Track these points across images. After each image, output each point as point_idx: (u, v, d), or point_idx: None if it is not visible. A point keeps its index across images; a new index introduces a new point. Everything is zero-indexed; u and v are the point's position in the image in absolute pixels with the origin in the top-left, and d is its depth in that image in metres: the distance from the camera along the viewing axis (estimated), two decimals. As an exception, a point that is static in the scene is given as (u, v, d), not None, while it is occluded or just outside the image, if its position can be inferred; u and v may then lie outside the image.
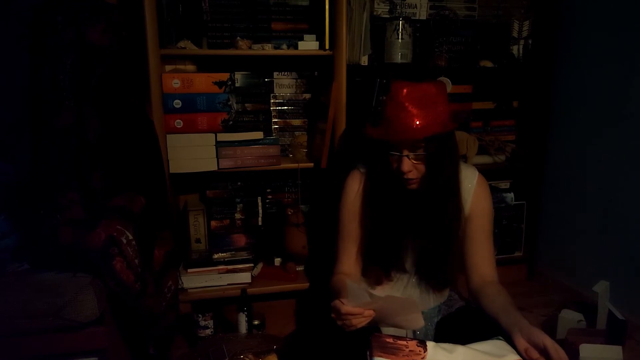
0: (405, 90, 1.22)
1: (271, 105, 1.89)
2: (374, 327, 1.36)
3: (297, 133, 1.93)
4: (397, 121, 1.22)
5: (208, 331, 1.71)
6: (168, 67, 1.87)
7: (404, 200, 1.28)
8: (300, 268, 1.93)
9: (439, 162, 1.24)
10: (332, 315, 1.11)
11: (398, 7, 1.99)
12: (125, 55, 1.44)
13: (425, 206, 1.27)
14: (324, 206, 1.92)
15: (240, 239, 1.89)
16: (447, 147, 1.25)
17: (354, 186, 1.38)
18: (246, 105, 1.85)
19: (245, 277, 1.82)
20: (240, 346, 1.50)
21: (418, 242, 1.32)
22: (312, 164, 1.84)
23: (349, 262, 1.39)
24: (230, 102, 1.80)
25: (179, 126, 1.74)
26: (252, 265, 1.86)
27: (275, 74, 1.88)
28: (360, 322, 1.09)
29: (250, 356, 1.37)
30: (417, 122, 1.20)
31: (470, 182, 1.35)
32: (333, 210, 1.44)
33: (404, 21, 1.89)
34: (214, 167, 1.76)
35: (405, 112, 1.21)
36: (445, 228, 1.30)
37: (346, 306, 1.08)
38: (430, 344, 1.13)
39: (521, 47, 2.12)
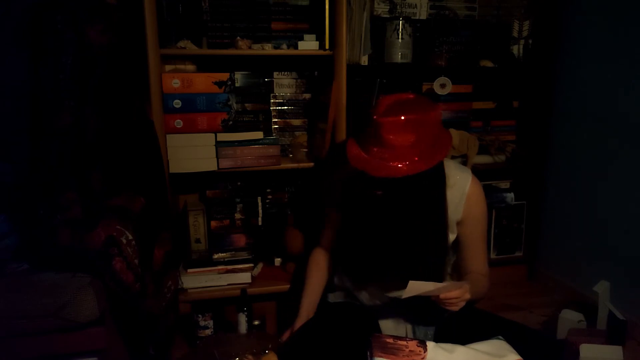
0: (387, 125, 1.16)
1: (271, 105, 1.89)
2: (374, 327, 1.37)
3: (297, 133, 1.93)
4: (375, 155, 1.18)
5: (208, 331, 1.71)
6: (168, 67, 1.87)
7: (379, 217, 1.26)
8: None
9: (417, 197, 1.22)
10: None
11: (398, 7, 1.99)
12: (125, 55, 1.44)
13: (403, 229, 1.26)
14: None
15: (240, 239, 1.88)
16: (425, 182, 1.20)
17: (339, 176, 1.38)
18: (246, 105, 1.85)
19: (245, 277, 1.81)
20: (240, 346, 1.50)
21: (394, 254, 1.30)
22: (312, 164, 1.84)
23: (325, 245, 1.50)
24: (230, 102, 1.80)
25: (178, 126, 1.74)
26: (252, 265, 1.86)
27: (275, 73, 1.88)
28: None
29: (249, 356, 1.37)
30: (397, 164, 1.15)
31: (462, 189, 1.31)
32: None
33: (404, 21, 1.89)
34: (213, 167, 1.76)
35: (384, 149, 1.17)
36: (424, 250, 1.28)
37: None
38: (430, 344, 1.13)
39: (521, 47, 2.12)
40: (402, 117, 1.15)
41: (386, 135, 1.15)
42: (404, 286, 1.16)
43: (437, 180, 1.25)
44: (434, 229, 1.28)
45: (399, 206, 1.22)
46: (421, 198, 1.22)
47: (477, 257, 1.37)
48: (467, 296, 1.20)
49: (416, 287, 1.17)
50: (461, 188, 1.31)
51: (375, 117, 1.17)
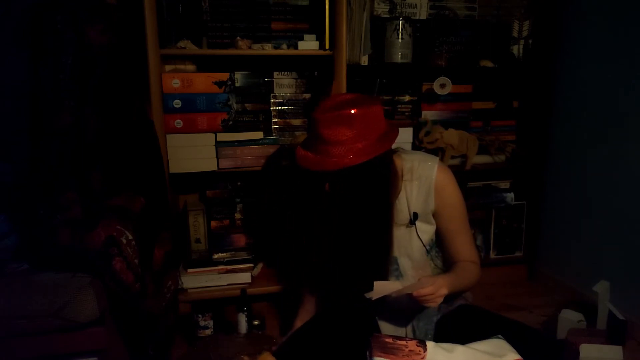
0: (322, 121, 1.21)
1: (271, 105, 1.89)
2: (373, 327, 1.37)
3: (297, 133, 1.93)
4: (321, 152, 1.22)
5: (208, 331, 1.71)
6: (168, 67, 1.87)
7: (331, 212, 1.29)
8: (300, 268, 1.93)
9: (358, 189, 1.24)
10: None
11: (398, 7, 1.99)
12: (125, 55, 1.44)
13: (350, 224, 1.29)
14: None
15: (240, 239, 1.88)
16: (367, 175, 1.23)
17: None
18: (246, 105, 1.85)
19: (245, 277, 1.82)
20: (240, 346, 1.50)
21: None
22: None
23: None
24: (230, 102, 1.80)
25: (178, 126, 1.74)
26: (252, 265, 1.86)
27: (275, 73, 1.88)
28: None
29: (244, 357, 1.37)
30: (335, 159, 1.19)
31: (428, 179, 1.32)
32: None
33: (404, 21, 1.89)
34: (213, 167, 1.77)
35: (322, 143, 1.22)
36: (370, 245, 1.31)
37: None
38: (430, 344, 1.13)
39: (521, 47, 2.12)
40: (337, 113, 1.19)
41: (322, 131, 1.21)
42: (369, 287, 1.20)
43: (381, 172, 1.26)
44: (377, 221, 1.29)
45: (343, 201, 1.26)
46: (363, 191, 1.25)
47: (462, 245, 1.38)
48: (444, 291, 1.20)
49: (383, 288, 1.19)
50: (427, 178, 1.32)
51: (312, 114, 1.24)
